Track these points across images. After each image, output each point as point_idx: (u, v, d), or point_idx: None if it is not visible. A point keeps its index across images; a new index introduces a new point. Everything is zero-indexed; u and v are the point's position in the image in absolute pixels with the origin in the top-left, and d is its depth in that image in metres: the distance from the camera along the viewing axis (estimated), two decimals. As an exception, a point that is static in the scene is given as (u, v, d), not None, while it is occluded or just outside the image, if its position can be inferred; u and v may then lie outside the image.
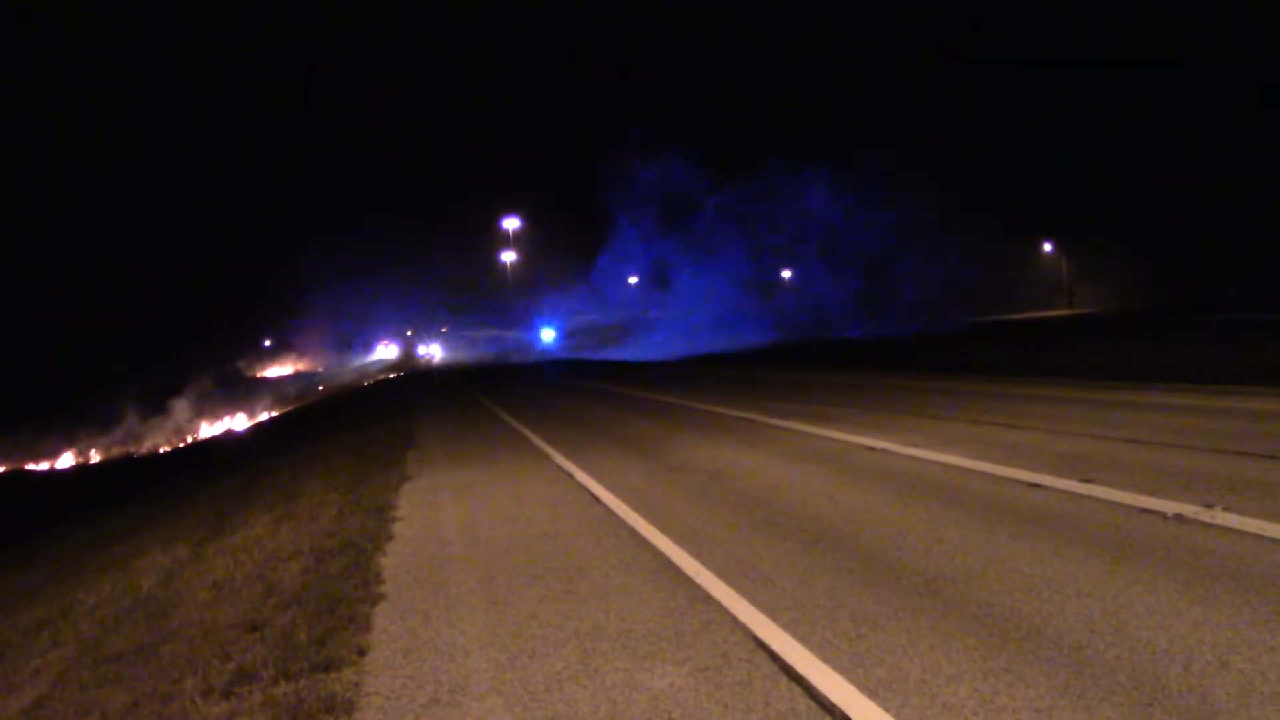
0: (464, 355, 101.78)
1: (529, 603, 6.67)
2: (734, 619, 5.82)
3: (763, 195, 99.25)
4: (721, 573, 6.87)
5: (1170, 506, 7.57)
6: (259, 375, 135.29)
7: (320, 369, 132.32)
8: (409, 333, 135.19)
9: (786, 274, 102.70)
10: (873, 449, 12.21)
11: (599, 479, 11.72)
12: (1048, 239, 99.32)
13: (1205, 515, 7.21)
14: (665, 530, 8.47)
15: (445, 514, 10.50)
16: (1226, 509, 7.33)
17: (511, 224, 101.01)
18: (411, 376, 68.10)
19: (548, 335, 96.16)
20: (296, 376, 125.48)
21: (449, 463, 14.95)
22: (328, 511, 11.33)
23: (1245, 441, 10.36)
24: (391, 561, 8.36)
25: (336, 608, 6.95)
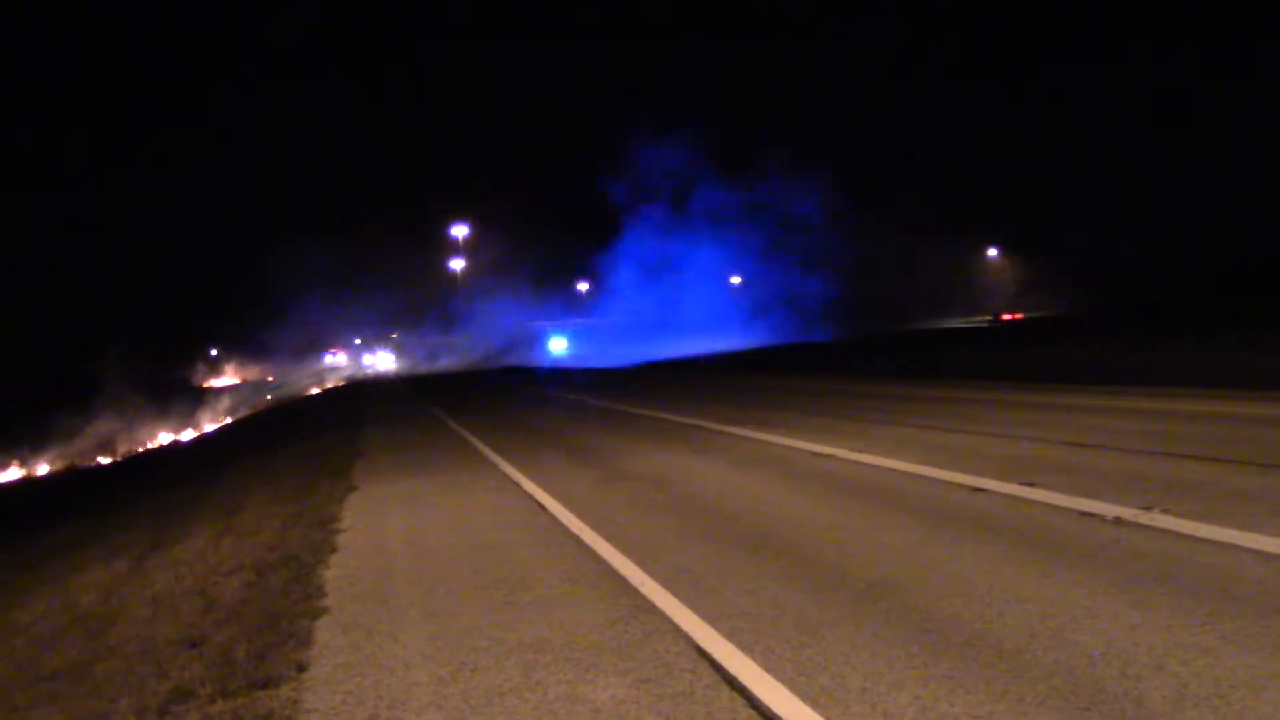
0: (419, 364, 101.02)
1: (472, 615, 6.62)
2: (677, 628, 5.80)
3: (730, 203, 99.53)
4: (665, 581, 6.85)
5: (1109, 509, 7.65)
6: (205, 385, 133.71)
7: (268, 379, 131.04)
8: (357, 341, 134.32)
9: (736, 280, 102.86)
10: (818, 454, 12.26)
11: (545, 487, 11.68)
12: (998, 244, 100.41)
13: (1143, 518, 7.29)
14: (610, 539, 8.44)
15: (390, 525, 10.41)
16: (1164, 511, 7.42)
17: (461, 231, 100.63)
18: (361, 386, 67.60)
19: (558, 345, 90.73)
20: (243, 387, 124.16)
21: (396, 473, 14.84)
22: (271, 524, 11.19)
23: (1181, 443, 10.50)
24: (334, 574, 8.27)
25: (277, 623, 6.86)
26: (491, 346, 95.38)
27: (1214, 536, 6.62)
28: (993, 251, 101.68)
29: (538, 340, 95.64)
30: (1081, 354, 28.56)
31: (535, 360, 77.42)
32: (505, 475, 13.28)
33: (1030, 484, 8.98)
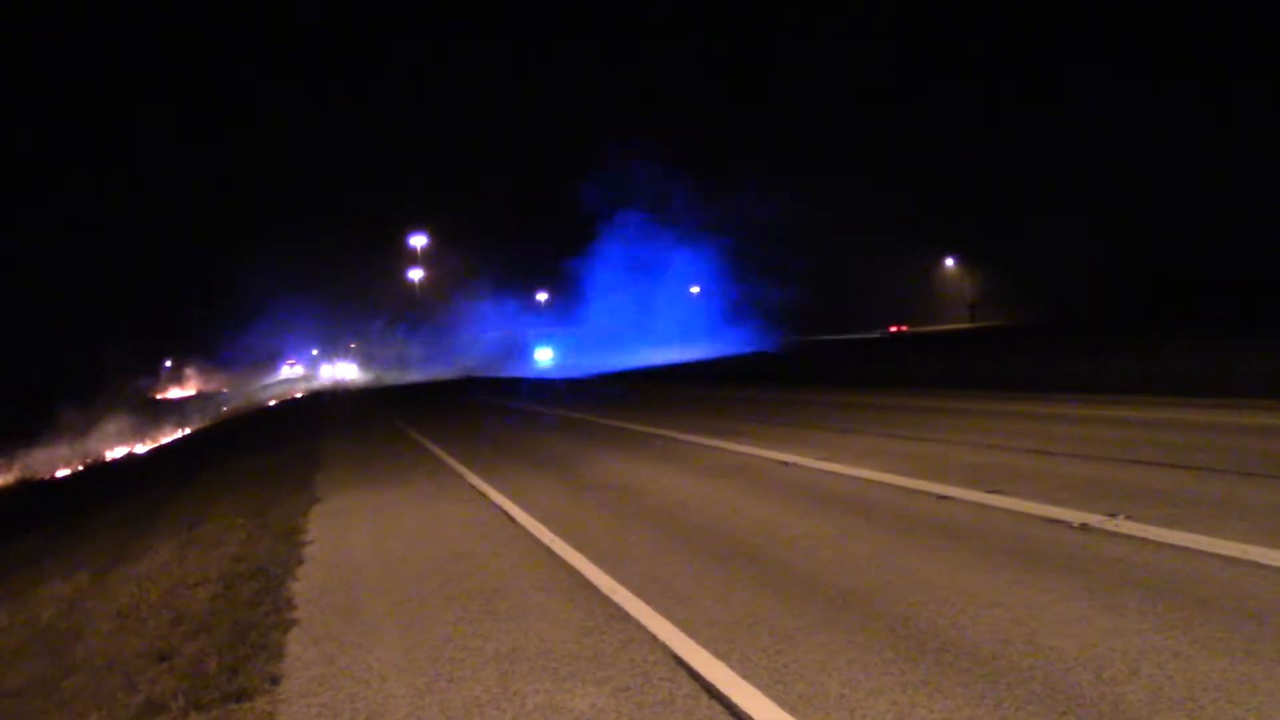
0: (383, 375, 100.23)
1: (445, 625, 6.59)
2: (653, 637, 5.81)
3: (692, 215, 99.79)
4: (639, 590, 6.86)
5: (1075, 516, 7.73)
6: (162, 397, 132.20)
7: (225, 390, 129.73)
8: (314, 352, 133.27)
9: (694, 290, 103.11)
10: (784, 463, 12.31)
11: (514, 498, 11.65)
12: (954, 254, 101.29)
13: (1109, 524, 7.38)
14: (582, 549, 8.44)
15: (357, 536, 10.34)
16: (1128, 517, 7.51)
17: (420, 241, 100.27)
18: (321, 398, 67.09)
19: (543, 356, 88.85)
20: (200, 398, 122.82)
21: (360, 484, 14.75)
22: (236, 536, 11.09)
23: (1140, 450, 10.64)
24: (303, 586, 8.21)
25: (247, 635, 6.80)
26: (457, 357, 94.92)
27: (1180, 542, 6.71)
28: (950, 261, 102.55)
29: (504, 351, 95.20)
30: (1037, 361, 28.83)
31: (504, 371, 76.90)
32: (472, 486, 13.23)
33: (996, 491, 9.06)
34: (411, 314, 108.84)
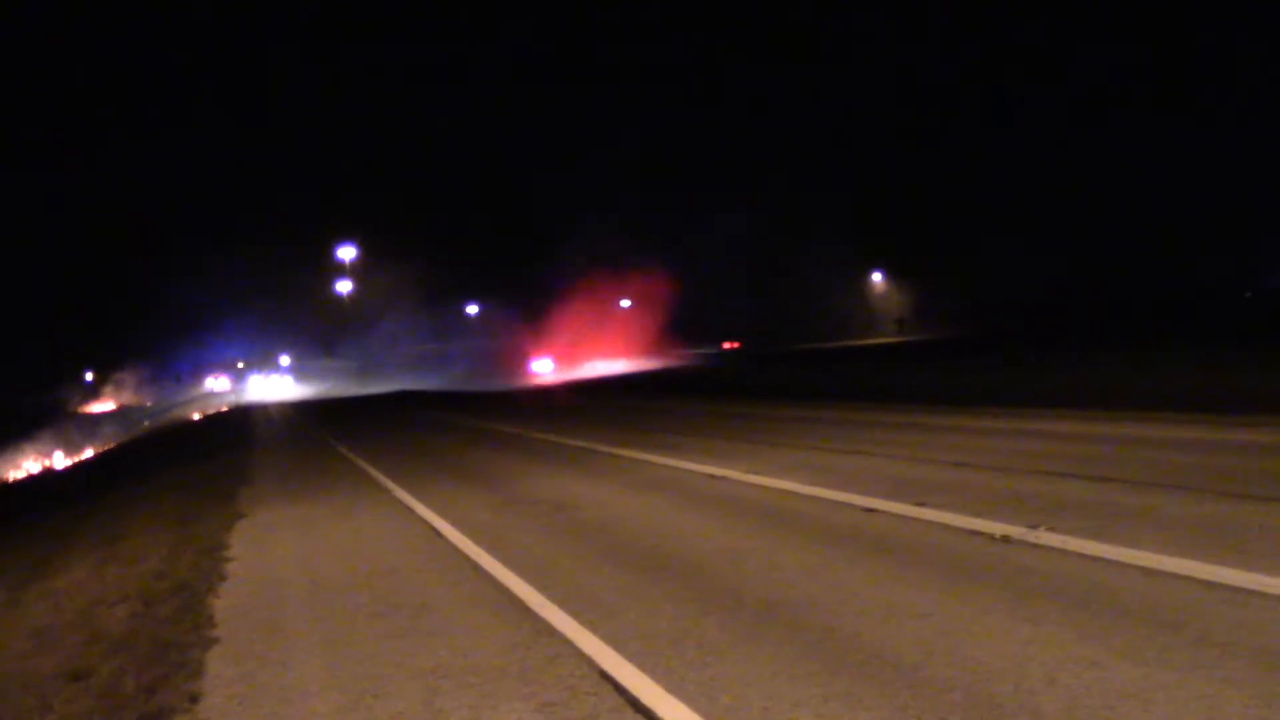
0: (314, 388, 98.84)
1: (370, 642, 6.52)
2: (579, 652, 5.79)
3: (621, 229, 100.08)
4: (566, 605, 6.84)
5: (998, 528, 7.84)
6: (82, 410, 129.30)
7: (148, 403, 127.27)
8: (240, 365, 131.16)
9: (625, 302, 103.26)
10: (714, 477, 12.36)
11: (441, 513, 11.56)
12: (880, 268, 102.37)
13: (1030, 536, 7.49)
14: (509, 563, 8.39)
15: (282, 552, 10.21)
16: (1049, 529, 7.63)
17: (348, 253, 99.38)
18: (248, 411, 66.10)
19: (542, 366, 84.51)
20: (123, 412, 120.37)
21: (285, 499, 14.56)
22: (157, 552, 10.89)
23: (1060, 462, 10.83)
24: (225, 603, 8.08)
25: (167, 653, 6.68)
26: (392, 371, 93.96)
27: (1099, 553, 6.82)
28: (877, 276, 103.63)
29: (439, 364, 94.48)
30: (961, 374, 29.25)
31: (440, 384, 76.18)
32: (400, 501, 13.12)
33: (921, 504, 9.16)
34: (344, 327, 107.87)
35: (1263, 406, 13.90)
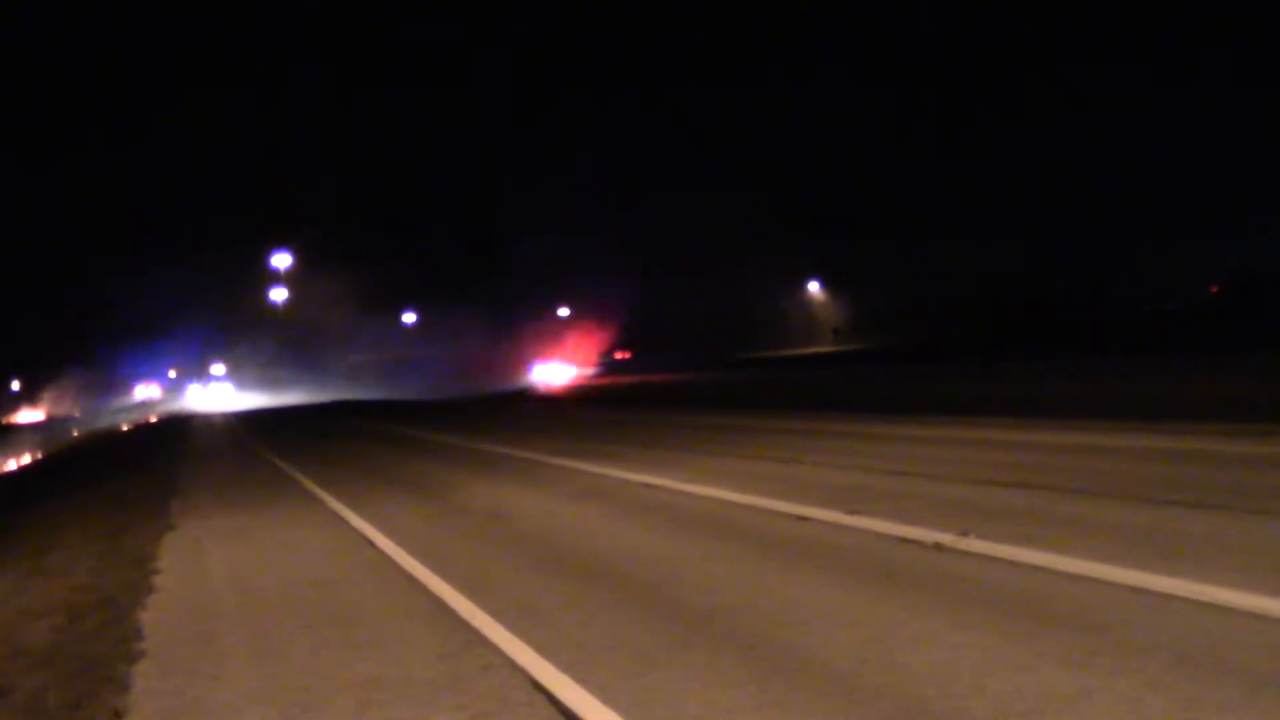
0: (247, 397, 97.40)
1: (301, 654, 6.44)
2: (512, 662, 5.76)
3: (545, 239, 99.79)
4: (500, 615, 6.80)
5: (930, 535, 7.92)
6: (7, 422, 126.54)
7: (77, 414, 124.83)
8: (173, 374, 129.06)
9: (564, 311, 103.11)
10: (650, 486, 12.37)
11: (375, 523, 11.46)
12: (817, 278, 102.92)
13: (961, 543, 7.58)
14: (443, 574, 8.34)
15: (211, 563, 10.06)
16: (980, 536, 7.72)
17: (283, 260, 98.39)
18: (180, 421, 65.11)
19: (547, 372, 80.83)
20: (52, 422, 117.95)
21: (216, 510, 14.34)
22: (84, 565, 10.68)
23: (992, 470, 10.97)
24: (152, 616, 7.94)
25: (92, 668, 6.55)
26: (329, 380, 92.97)
27: (1028, 560, 6.91)
28: (814, 286, 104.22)
29: (379, 373, 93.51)
30: (897, 384, 29.55)
31: (380, 394, 75.45)
32: (334, 511, 12.99)
33: (854, 512, 9.24)
34: (281, 335, 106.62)
35: (1190, 414, 14.19)
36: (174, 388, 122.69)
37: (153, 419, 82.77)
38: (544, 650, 5.90)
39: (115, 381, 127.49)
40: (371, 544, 10.21)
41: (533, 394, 54.95)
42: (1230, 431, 12.37)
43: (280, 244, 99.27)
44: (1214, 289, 67.74)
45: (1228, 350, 27.59)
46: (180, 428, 51.70)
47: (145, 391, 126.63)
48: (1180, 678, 4.55)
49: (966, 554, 7.30)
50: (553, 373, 73.83)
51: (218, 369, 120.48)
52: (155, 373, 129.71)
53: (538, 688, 5.29)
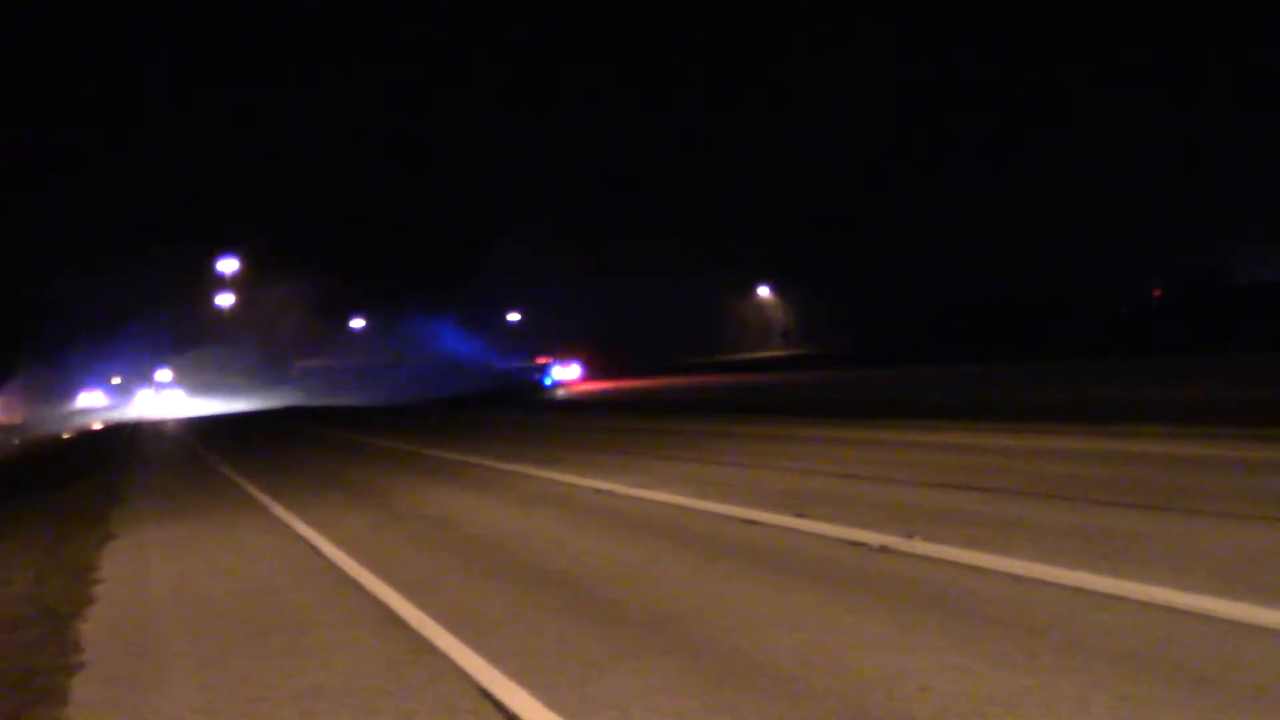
0: (195, 403, 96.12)
1: (246, 663, 6.36)
2: (459, 669, 5.73)
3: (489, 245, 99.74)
4: (447, 622, 6.76)
5: (876, 538, 7.97)
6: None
7: (19, 422, 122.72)
8: (116, 380, 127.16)
9: (515, 316, 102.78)
10: (599, 491, 12.36)
11: (322, 530, 11.36)
12: (766, 283, 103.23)
13: (906, 546, 7.64)
14: (390, 581, 8.28)
15: (154, 573, 9.92)
16: (926, 539, 7.78)
17: (230, 265, 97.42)
18: (125, 428, 64.22)
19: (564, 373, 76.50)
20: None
21: (160, 518, 14.14)
22: (22, 576, 10.48)
23: (939, 473, 11.08)
24: (93, 627, 7.81)
25: (30, 680, 6.43)
26: (279, 386, 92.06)
27: (973, 561, 6.98)
28: (764, 290, 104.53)
29: (332, 379, 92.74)
30: (846, 388, 29.70)
31: (331, 399, 74.82)
32: (279, 519, 12.85)
33: (802, 515, 9.28)
34: (232, 341, 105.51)
35: (1134, 416, 14.40)
36: (121, 394, 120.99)
37: (98, 426, 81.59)
38: (491, 657, 5.87)
39: (61, 388, 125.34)
40: (318, 551, 10.12)
41: (484, 398, 54.73)
42: (1171, 434, 12.57)
43: (228, 249, 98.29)
44: (1156, 293, 68.79)
45: (1168, 354, 28.05)
46: (127, 434, 51.00)
47: (90, 398, 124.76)
48: (1121, 677, 4.61)
49: (912, 556, 7.36)
50: (558, 372, 72.11)
51: (166, 375, 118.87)
52: (101, 380, 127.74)
53: (485, 695, 5.26)
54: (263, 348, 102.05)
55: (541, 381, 67.64)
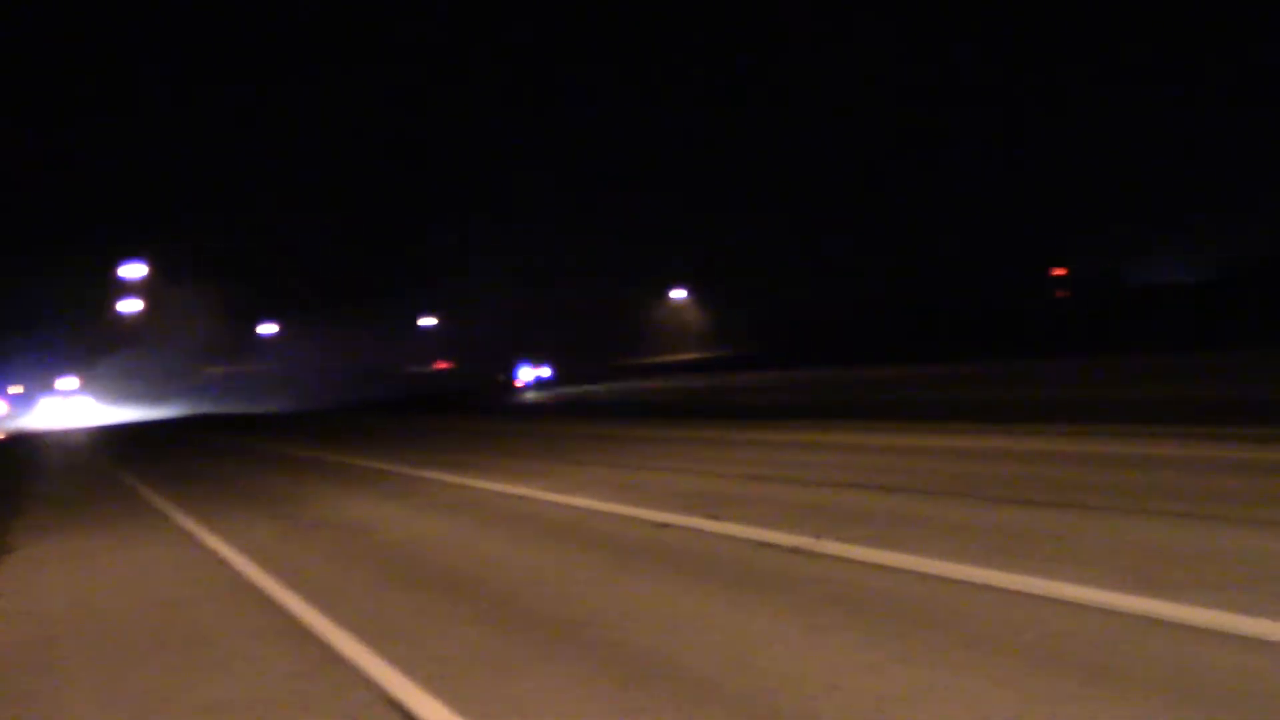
0: (112, 412, 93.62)
1: (148, 677, 6.22)
2: (367, 679, 5.65)
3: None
4: (356, 631, 6.67)
5: (787, 539, 8.04)
6: None
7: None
8: (15, 390, 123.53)
9: (431, 321, 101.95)
10: (512, 496, 12.32)
11: (229, 540, 11.15)
12: (681, 286, 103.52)
13: (816, 546, 7.71)
14: (298, 590, 8.14)
15: (53, 587, 9.65)
16: (836, 539, 7.87)
17: (135, 271, 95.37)
18: (28, 438, 62.50)
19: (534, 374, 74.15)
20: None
21: (60, 530, 13.76)
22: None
23: (850, 473, 11.23)
24: (-13, 643, 7.58)
25: (-82, 701, 6.22)
26: (198, 393, 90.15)
27: (881, 560, 7.08)
28: (680, 293, 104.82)
29: (245, 386, 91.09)
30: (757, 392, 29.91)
31: (241, 406, 73.48)
32: (185, 529, 12.59)
33: (714, 517, 9.33)
34: (140, 348, 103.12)
35: (1040, 415, 14.70)
36: (24, 403, 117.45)
37: (-1, 436, 79.14)
38: (400, 666, 5.81)
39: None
40: (224, 562, 9.93)
41: (393, 403, 54.19)
42: (1065, 433, 12.88)
43: (135, 254, 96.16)
44: (1059, 294, 70.35)
45: (1075, 354, 28.71)
46: (28, 444, 49.62)
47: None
48: (1024, 672, 4.69)
49: (822, 556, 7.43)
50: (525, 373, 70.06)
51: (71, 383, 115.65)
52: (0, 388, 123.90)
53: (393, 704, 5.20)
54: (173, 355, 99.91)
55: (444, 384, 67.15)
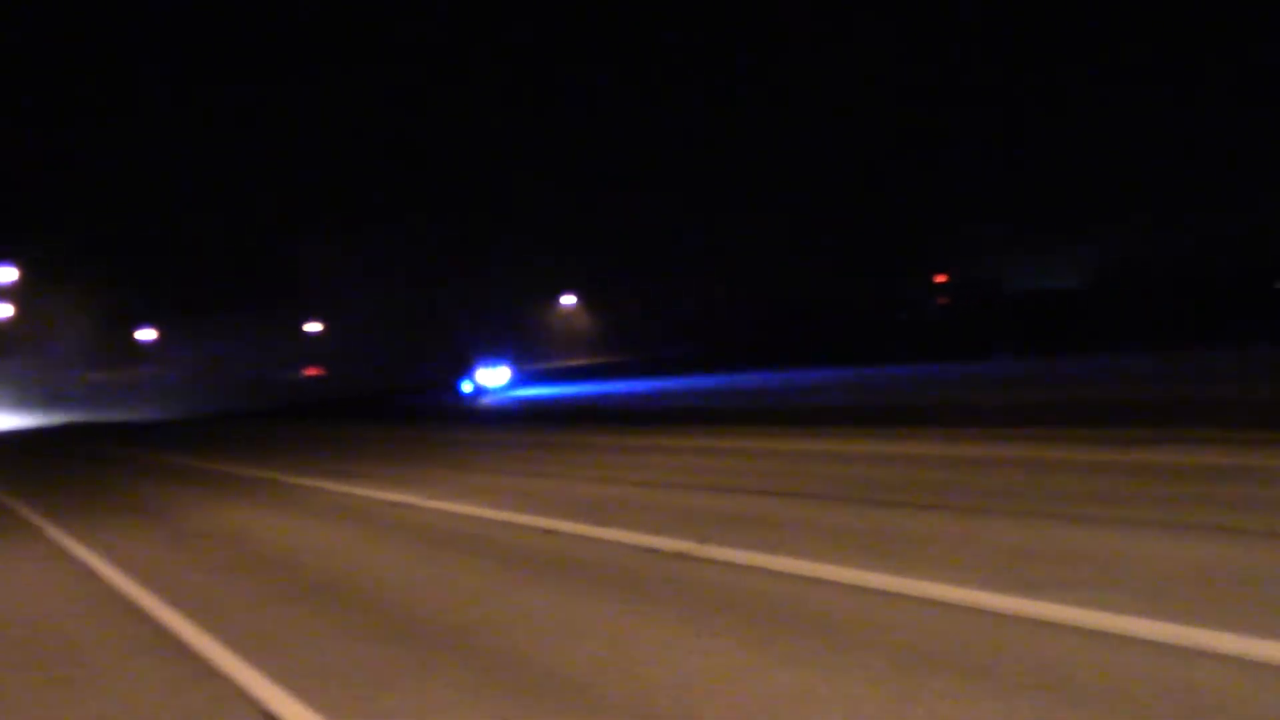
0: None
1: (14, 698, 5.99)
2: (243, 692, 5.53)
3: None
4: (232, 643, 6.52)
5: (672, 544, 8.09)
6: None
7: None
8: None
9: (316, 326, 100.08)
10: (396, 504, 12.19)
11: (100, 553, 10.80)
12: (573, 291, 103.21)
13: (700, 551, 7.77)
14: (173, 603, 7.93)
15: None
16: (720, 543, 7.93)
17: (6, 274, 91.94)
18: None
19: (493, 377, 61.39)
20: None
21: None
22: None
23: (735, 478, 11.38)
24: None
25: None
26: (73, 400, 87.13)
27: (763, 564, 7.16)
28: (570, 299, 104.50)
29: (117, 393, 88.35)
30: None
31: (115, 413, 71.32)
32: (55, 543, 12.17)
33: (600, 523, 9.35)
34: (9, 353, 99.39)
35: (916, 419, 15.04)
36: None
37: None
38: (278, 678, 5.69)
39: None
40: (95, 575, 9.64)
41: (273, 410, 53.17)
42: (943, 437, 13.19)
43: (4, 256, 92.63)
44: (941, 300, 71.81)
45: (955, 359, 29.41)
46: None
47: None
48: (898, 673, 4.78)
49: (706, 560, 7.49)
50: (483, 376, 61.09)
51: None
52: None
53: (268, 717, 5.11)
54: (48, 361, 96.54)
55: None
